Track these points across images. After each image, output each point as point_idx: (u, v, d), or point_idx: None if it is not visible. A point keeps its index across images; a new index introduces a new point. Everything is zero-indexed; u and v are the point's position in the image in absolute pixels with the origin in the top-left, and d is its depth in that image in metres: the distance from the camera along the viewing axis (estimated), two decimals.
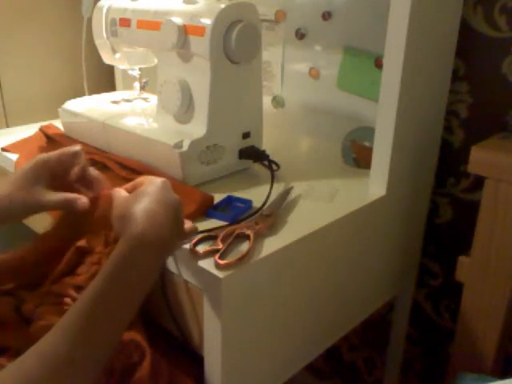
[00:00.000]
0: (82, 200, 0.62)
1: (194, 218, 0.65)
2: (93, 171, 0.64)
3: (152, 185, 0.55)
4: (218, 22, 0.71)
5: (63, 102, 0.95)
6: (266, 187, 0.73)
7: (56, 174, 0.62)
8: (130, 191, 0.58)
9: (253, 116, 0.82)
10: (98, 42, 0.94)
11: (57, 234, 0.67)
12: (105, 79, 1.24)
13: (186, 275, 0.58)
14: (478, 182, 0.87)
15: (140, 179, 0.59)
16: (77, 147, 0.64)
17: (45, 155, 0.63)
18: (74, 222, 0.65)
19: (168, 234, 0.52)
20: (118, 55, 0.93)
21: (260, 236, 0.62)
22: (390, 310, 1.07)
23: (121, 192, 0.58)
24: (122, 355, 0.59)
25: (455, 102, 0.87)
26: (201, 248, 0.58)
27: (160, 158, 0.76)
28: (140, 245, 0.50)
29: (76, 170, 0.62)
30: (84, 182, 0.64)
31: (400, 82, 0.69)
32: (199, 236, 0.60)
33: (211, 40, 0.71)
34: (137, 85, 0.98)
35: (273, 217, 0.65)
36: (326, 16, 0.93)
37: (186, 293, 0.60)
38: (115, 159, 0.80)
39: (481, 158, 0.71)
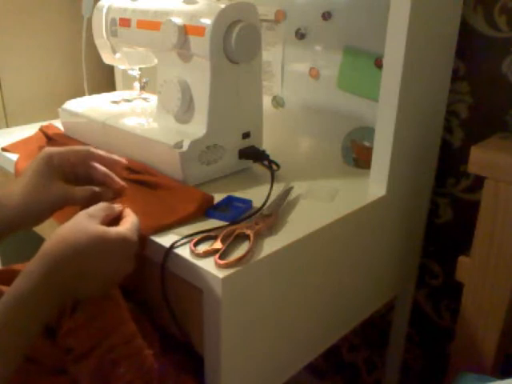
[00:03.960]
0: (108, 194, 0.62)
1: (194, 218, 0.65)
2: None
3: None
4: (218, 22, 0.71)
5: (63, 102, 0.95)
6: (266, 187, 0.73)
7: (64, 169, 0.62)
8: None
9: (253, 116, 0.82)
10: (97, 41, 0.94)
11: None
12: (105, 79, 1.24)
13: (186, 275, 0.58)
14: (478, 182, 0.87)
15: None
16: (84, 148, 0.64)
17: (48, 150, 0.62)
18: None
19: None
20: (118, 55, 0.93)
21: (260, 236, 0.62)
22: (390, 310, 1.07)
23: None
24: (134, 367, 0.58)
25: (455, 101, 0.87)
26: (201, 248, 0.58)
27: (160, 158, 0.76)
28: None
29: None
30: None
31: (400, 82, 0.69)
32: (199, 236, 0.60)
33: (211, 40, 0.71)
34: (137, 85, 0.98)
35: (273, 217, 0.65)
36: (326, 16, 0.93)
37: (186, 293, 0.60)
38: None
39: (481, 158, 0.71)
